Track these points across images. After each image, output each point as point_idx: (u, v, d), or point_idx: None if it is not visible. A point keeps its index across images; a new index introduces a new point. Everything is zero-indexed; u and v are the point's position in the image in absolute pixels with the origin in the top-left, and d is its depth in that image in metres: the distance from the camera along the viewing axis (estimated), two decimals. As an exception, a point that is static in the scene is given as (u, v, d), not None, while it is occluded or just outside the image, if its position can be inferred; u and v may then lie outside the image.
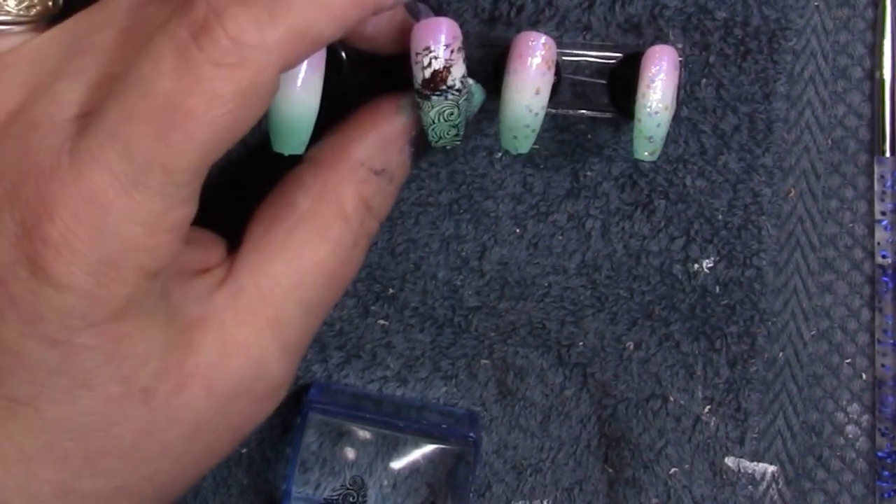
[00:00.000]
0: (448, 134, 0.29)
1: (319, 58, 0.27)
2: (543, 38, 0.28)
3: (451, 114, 0.28)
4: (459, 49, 0.27)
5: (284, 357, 0.28)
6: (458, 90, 0.28)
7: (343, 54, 0.30)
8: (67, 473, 0.25)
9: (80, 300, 0.23)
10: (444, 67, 0.27)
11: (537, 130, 0.29)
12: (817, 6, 0.35)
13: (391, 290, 0.34)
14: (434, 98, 0.28)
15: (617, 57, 0.31)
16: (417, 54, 0.27)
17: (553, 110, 0.30)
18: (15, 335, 0.24)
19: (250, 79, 0.23)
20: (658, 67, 0.29)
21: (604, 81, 0.31)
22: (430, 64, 0.27)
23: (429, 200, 0.34)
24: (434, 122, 0.28)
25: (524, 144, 0.29)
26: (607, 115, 0.32)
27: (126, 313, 0.24)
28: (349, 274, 0.29)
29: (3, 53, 0.26)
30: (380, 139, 0.29)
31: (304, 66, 0.27)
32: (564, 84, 0.31)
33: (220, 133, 0.23)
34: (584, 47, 0.31)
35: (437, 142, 0.29)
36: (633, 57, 0.30)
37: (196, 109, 0.23)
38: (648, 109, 0.29)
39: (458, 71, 0.27)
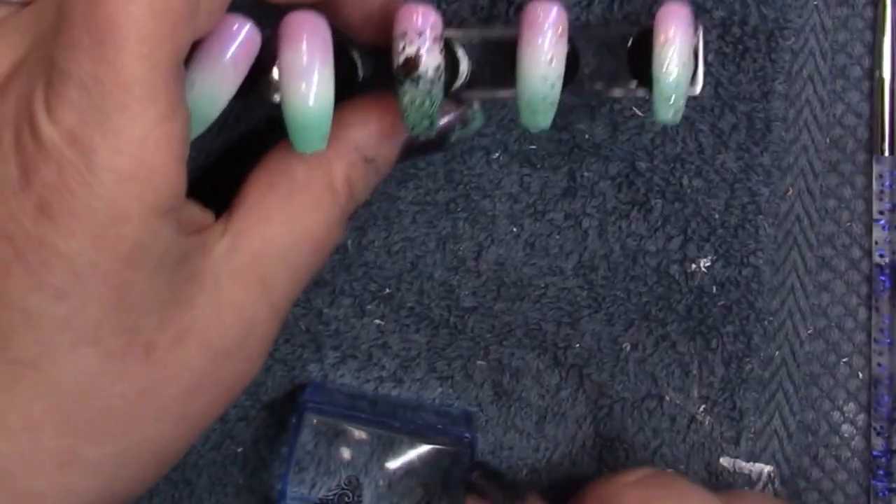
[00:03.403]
0: (421, 123, 0.28)
1: (326, 51, 0.27)
2: (555, 8, 0.27)
3: (423, 103, 0.28)
4: (436, 39, 0.27)
5: (272, 319, 0.29)
6: (430, 80, 0.27)
7: (358, 59, 0.30)
8: (71, 439, 0.25)
9: (87, 245, 0.23)
10: (417, 54, 0.27)
11: (556, 104, 0.28)
12: (816, 5, 0.34)
13: (387, 290, 0.34)
14: (406, 84, 0.27)
15: (634, 31, 0.30)
16: (395, 38, 0.27)
17: (578, 98, 0.29)
18: (22, 290, 0.24)
19: None
20: (670, 25, 0.28)
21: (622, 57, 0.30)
22: (403, 49, 0.27)
23: (426, 199, 0.34)
24: (407, 110, 0.28)
25: (544, 119, 0.28)
26: (633, 89, 0.31)
27: (134, 258, 0.24)
28: (330, 248, 0.30)
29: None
30: (378, 130, 0.30)
31: (317, 66, 0.27)
32: (583, 72, 0.30)
33: (152, 30, 0.23)
34: (599, 27, 0.30)
35: (411, 130, 0.29)
36: (651, 29, 0.29)
37: (114, 15, 0.22)
38: (664, 69, 0.28)
39: (433, 61, 0.27)
